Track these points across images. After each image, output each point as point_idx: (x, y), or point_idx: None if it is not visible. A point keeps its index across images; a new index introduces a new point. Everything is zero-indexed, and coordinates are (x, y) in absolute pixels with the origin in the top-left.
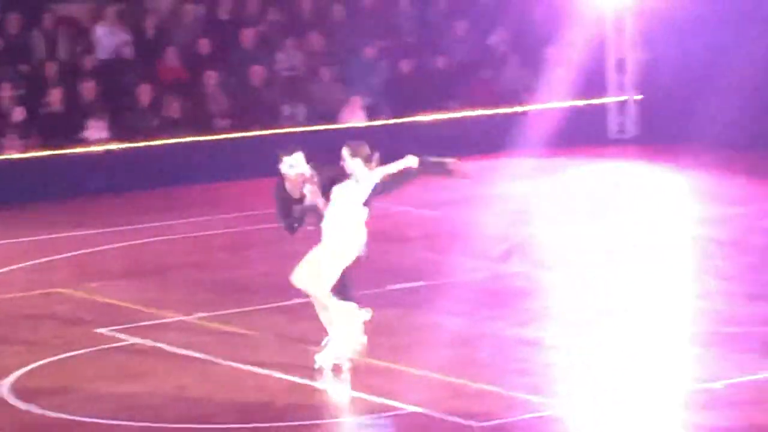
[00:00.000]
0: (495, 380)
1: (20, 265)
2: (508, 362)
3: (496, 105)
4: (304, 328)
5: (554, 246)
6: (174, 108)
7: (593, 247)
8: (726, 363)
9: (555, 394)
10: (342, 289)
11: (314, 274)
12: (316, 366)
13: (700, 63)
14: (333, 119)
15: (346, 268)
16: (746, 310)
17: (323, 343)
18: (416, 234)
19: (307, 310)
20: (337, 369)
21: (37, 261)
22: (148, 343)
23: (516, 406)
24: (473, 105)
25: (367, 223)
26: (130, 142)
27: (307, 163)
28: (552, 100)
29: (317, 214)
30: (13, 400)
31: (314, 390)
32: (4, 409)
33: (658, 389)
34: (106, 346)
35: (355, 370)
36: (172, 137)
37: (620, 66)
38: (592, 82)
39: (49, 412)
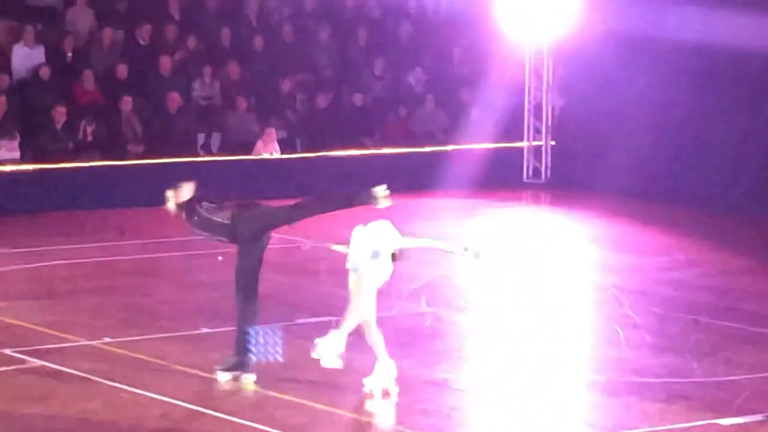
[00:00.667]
0: (400, 420)
1: None
2: (414, 402)
3: (412, 144)
4: (210, 357)
5: (465, 288)
6: (88, 131)
7: (503, 290)
8: (630, 412)
9: None
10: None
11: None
12: (366, 390)
13: (613, 110)
14: (247, 150)
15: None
16: (652, 360)
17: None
18: (327, 269)
19: (213, 339)
20: (385, 393)
21: None
22: (53, 366)
23: None
24: (388, 143)
25: (278, 257)
26: (43, 163)
27: (205, 199)
28: (468, 142)
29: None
30: None
31: (219, 421)
32: None
33: None
34: (11, 368)
35: (262, 404)
36: (86, 161)
37: (537, 111)
38: (510, 125)
39: None
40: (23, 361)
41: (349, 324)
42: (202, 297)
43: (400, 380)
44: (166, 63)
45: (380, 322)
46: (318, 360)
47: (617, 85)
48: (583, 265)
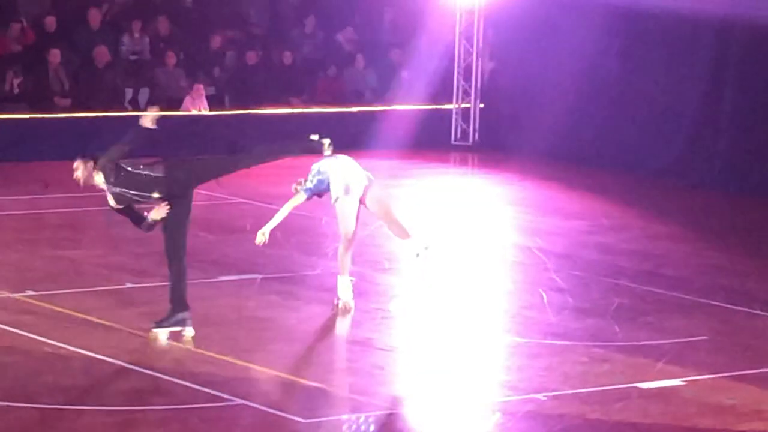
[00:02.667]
0: (321, 378)
1: None
2: (337, 361)
3: (341, 104)
4: (135, 312)
5: (390, 248)
6: (15, 83)
7: (426, 252)
8: (551, 375)
9: (380, 395)
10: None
11: None
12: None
13: (540, 74)
14: (176, 105)
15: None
16: (575, 324)
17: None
18: (252, 226)
19: (138, 294)
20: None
21: None
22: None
23: (341, 404)
24: (317, 102)
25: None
26: None
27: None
28: (398, 103)
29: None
30: None
31: (141, 375)
32: None
33: (481, 397)
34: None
35: (184, 359)
36: (11, 112)
37: (466, 73)
38: (439, 87)
39: None
40: None
41: (345, 262)
42: (127, 252)
43: (324, 338)
44: (95, 16)
45: (305, 279)
46: (244, 317)
47: (547, 48)
48: (508, 228)
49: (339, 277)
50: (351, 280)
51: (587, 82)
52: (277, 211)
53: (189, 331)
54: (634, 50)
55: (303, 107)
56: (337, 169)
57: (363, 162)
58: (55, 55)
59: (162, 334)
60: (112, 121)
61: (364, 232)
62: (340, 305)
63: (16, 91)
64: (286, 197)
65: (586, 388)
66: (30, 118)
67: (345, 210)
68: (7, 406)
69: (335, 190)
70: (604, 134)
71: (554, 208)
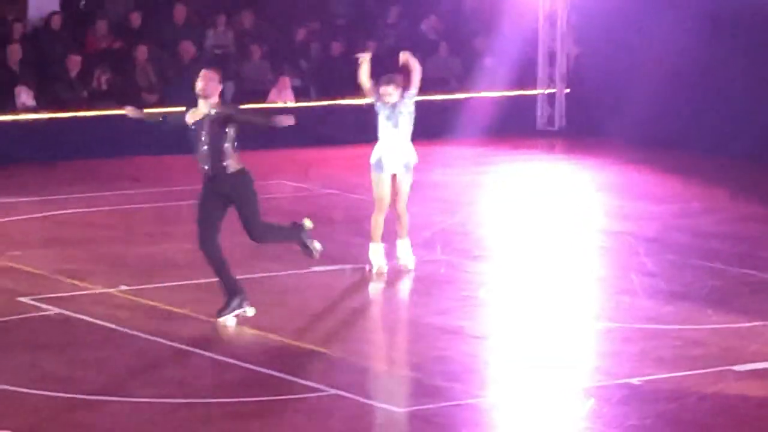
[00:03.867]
0: (415, 367)
1: None
2: (429, 350)
3: (425, 92)
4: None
5: (480, 236)
6: (103, 80)
7: (518, 238)
8: (645, 360)
9: (475, 383)
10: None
11: None
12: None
13: (628, 58)
14: (261, 98)
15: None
16: (668, 308)
17: None
18: (342, 217)
19: None
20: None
21: None
22: (71, 314)
23: (436, 393)
24: None
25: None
26: (58, 111)
27: None
28: (482, 90)
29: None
30: None
31: (236, 368)
32: None
33: (576, 382)
34: (29, 316)
35: (278, 351)
36: (100, 109)
37: (551, 58)
38: (523, 73)
39: None
40: (41, 309)
41: (376, 229)
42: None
43: (416, 327)
44: (180, 12)
45: (395, 269)
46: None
47: (632, 31)
48: (598, 213)
49: (371, 244)
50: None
51: (675, 64)
52: (363, 200)
53: (249, 311)
54: (722, 32)
55: None
56: (384, 142)
57: (448, 150)
58: (141, 52)
59: (228, 321)
60: None
61: (452, 220)
62: (374, 271)
63: (104, 88)
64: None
65: (681, 371)
66: (118, 114)
67: (374, 180)
68: (103, 400)
69: (371, 159)
70: (693, 116)
71: (644, 192)
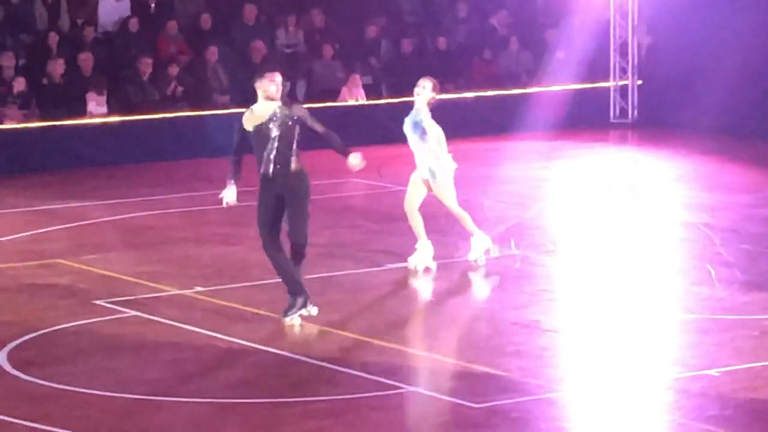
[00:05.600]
0: (492, 362)
1: (18, 235)
2: (505, 344)
3: (496, 87)
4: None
5: (554, 230)
6: (174, 82)
7: (592, 231)
8: (723, 350)
9: (552, 377)
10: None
11: None
12: (410, 267)
13: (701, 48)
14: (332, 96)
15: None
16: (745, 297)
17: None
18: None
19: (306, 287)
20: (426, 270)
21: (35, 232)
22: (145, 316)
23: (513, 388)
24: (473, 86)
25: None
26: (130, 114)
27: None
28: (553, 83)
29: None
30: (10, 370)
31: (310, 366)
32: (1, 379)
33: (654, 375)
34: (104, 318)
35: (352, 349)
36: (172, 111)
37: (622, 50)
38: (594, 65)
39: (45, 382)
40: (115, 312)
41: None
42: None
43: (491, 322)
44: (251, 11)
45: (469, 265)
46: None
47: (704, 20)
48: (673, 204)
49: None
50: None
51: (747, 53)
52: (436, 198)
53: (313, 310)
54: None
55: (459, 92)
56: (428, 147)
57: (520, 144)
58: (212, 53)
59: (294, 320)
60: None
61: (525, 214)
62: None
63: (177, 89)
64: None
65: (759, 362)
66: (190, 115)
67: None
68: (179, 401)
69: None
70: (766, 105)
71: (719, 182)
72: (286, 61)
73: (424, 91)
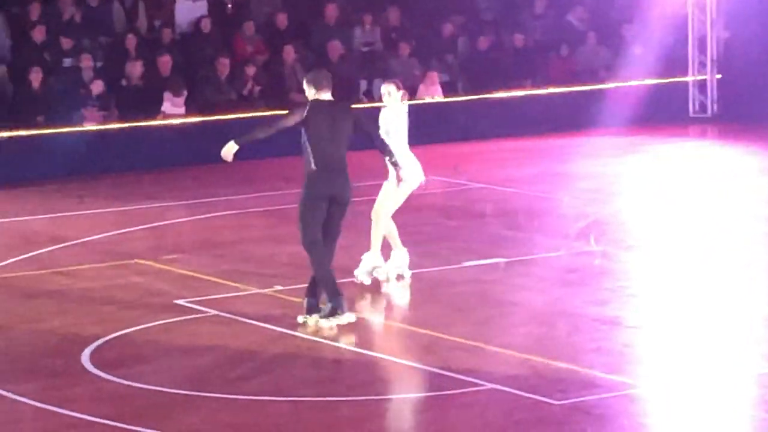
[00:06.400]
0: (573, 359)
1: (99, 236)
2: (586, 341)
3: (573, 83)
4: (381, 302)
5: (633, 225)
6: (252, 82)
7: (672, 226)
8: None
9: (633, 374)
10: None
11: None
12: (381, 277)
13: None
14: (409, 95)
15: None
16: None
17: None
18: (493, 211)
19: (384, 285)
20: (399, 278)
21: (115, 232)
22: (225, 315)
23: (594, 385)
24: (550, 83)
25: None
26: (207, 115)
27: None
28: (631, 79)
29: None
30: (92, 370)
31: (392, 365)
32: (84, 378)
33: (737, 370)
34: (185, 318)
35: (433, 346)
36: (249, 111)
37: (701, 44)
38: (673, 60)
39: (127, 381)
40: (197, 311)
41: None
42: (368, 243)
43: (572, 319)
44: (332, 11)
45: (549, 261)
46: (490, 302)
47: None
48: (754, 198)
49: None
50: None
51: None
52: (515, 194)
53: (350, 317)
54: None
55: (536, 89)
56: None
57: (598, 140)
58: (288, 52)
59: (325, 323)
60: None
61: (604, 210)
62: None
63: (254, 89)
64: (525, 180)
65: None
66: (269, 115)
67: None
68: (263, 400)
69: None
70: None
71: None
72: (362, 60)
73: (389, 98)
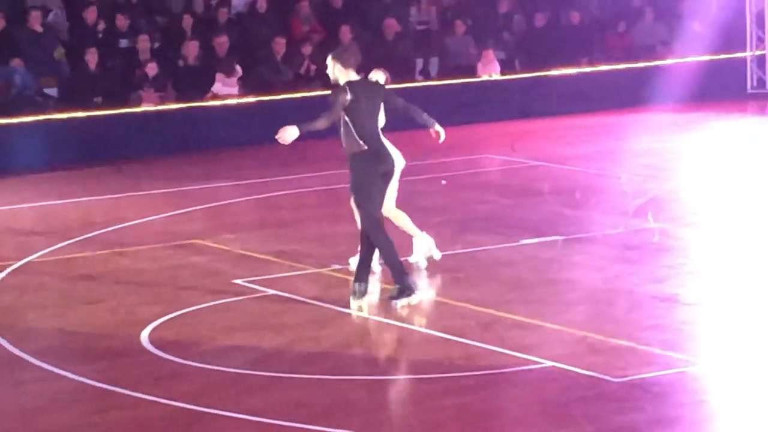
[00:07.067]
0: (631, 336)
1: (156, 217)
2: (644, 318)
3: (631, 60)
4: (440, 281)
5: (691, 202)
6: (308, 62)
7: (731, 203)
8: None
9: (692, 351)
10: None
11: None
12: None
13: None
14: (465, 73)
15: None
16: None
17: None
18: (550, 188)
19: (442, 264)
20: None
21: (172, 213)
22: (283, 294)
23: (653, 362)
24: (607, 60)
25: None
26: (264, 95)
27: None
28: (689, 55)
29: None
30: (151, 349)
31: (449, 343)
32: (144, 358)
33: None
34: (244, 297)
35: (491, 325)
36: (305, 90)
37: (759, 19)
38: (730, 36)
39: (187, 361)
40: (255, 291)
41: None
42: (430, 223)
43: (630, 296)
44: None
45: (607, 239)
46: (548, 279)
47: None
48: None
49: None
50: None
51: None
52: (573, 171)
53: (419, 296)
54: None
55: (593, 66)
56: None
57: (656, 116)
58: (345, 32)
59: (400, 304)
60: (404, 92)
61: (662, 187)
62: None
63: (310, 69)
64: (583, 158)
65: None
66: (325, 95)
67: None
68: (324, 378)
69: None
70: None
71: None
72: (418, 39)
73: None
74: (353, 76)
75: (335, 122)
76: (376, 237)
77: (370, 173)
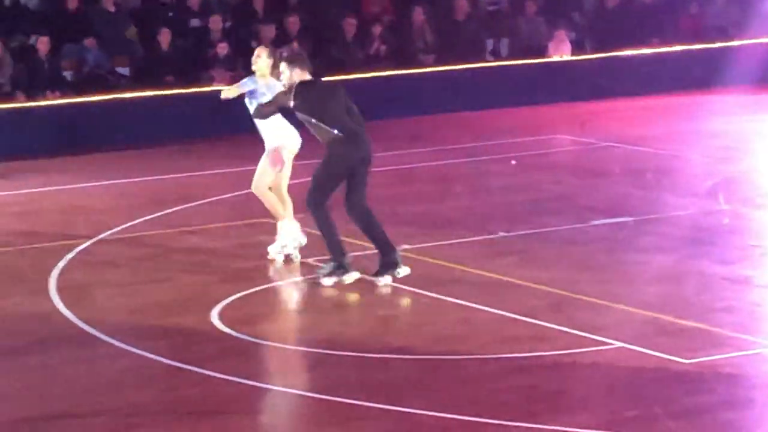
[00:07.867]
0: (702, 317)
1: (224, 195)
2: (715, 300)
3: (703, 41)
4: (507, 262)
5: (763, 184)
6: (378, 42)
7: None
8: None
9: (764, 333)
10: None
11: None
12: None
13: None
14: (536, 53)
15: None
16: None
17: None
18: (621, 169)
19: (511, 243)
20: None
21: (240, 192)
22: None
23: (724, 343)
24: (679, 40)
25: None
26: (334, 74)
27: None
28: (761, 36)
29: None
30: (221, 328)
31: (518, 323)
32: (214, 336)
33: None
34: (311, 276)
35: (562, 305)
36: (375, 71)
37: None
38: None
39: (256, 339)
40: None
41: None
42: (496, 201)
43: (700, 278)
44: None
45: (678, 220)
46: (618, 260)
47: None
48: None
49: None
50: None
51: None
52: (644, 152)
53: (403, 270)
54: None
55: (665, 47)
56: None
57: (727, 98)
58: (418, 13)
59: (383, 281)
60: (475, 72)
61: (734, 168)
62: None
63: (380, 49)
64: (654, 139)
65: None
66: (396, 74)
67: None
68: (389, 358)
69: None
70: None
71: None
72: (489, 19)
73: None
74: (307, 76)
75: (270, 115)
76: (319, 218)
77: (344, 160)
